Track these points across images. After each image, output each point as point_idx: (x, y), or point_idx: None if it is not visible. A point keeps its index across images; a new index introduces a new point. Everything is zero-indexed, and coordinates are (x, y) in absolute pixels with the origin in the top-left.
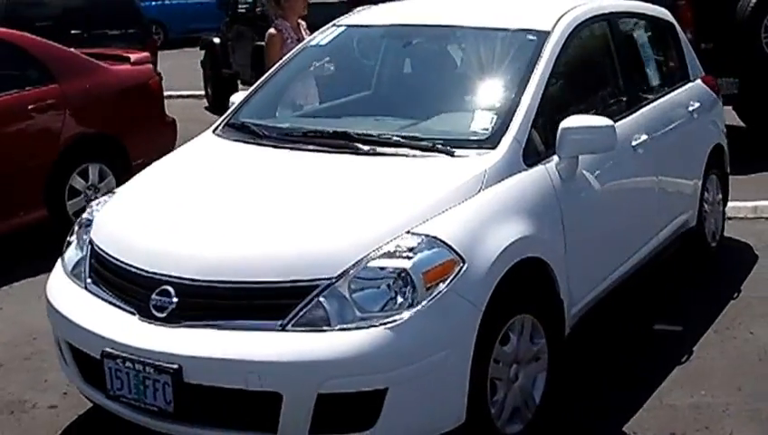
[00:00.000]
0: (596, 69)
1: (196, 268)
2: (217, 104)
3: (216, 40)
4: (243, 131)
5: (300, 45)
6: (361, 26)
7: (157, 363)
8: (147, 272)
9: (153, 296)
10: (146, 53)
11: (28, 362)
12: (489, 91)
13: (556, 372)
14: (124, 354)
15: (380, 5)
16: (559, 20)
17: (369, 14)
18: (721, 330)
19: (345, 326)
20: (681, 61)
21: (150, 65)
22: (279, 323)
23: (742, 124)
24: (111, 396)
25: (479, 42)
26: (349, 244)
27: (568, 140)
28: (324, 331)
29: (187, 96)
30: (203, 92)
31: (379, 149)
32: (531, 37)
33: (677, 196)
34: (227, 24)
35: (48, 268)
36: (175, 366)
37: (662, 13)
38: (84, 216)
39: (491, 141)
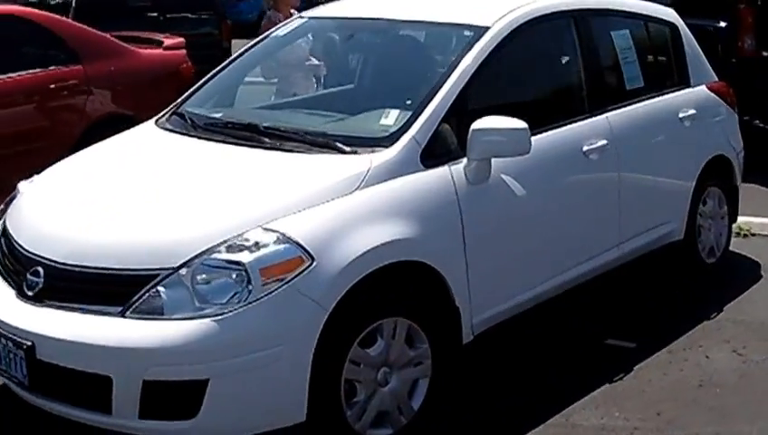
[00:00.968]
0: (547, 69)
1: (65, 252)
2: None
3: None
4: (178, 120)
5: (263, 35)
6: (319, 18)
7: (16, 339)
8: (27, 252)
9: (27, 275)
10: (180, 39)
11: None
12: (409, 88)
13: (448, 380)
14: (1, 329)
15: None
16: (504, 16)
17: (334, 6)
18: (676, 351)
19: (179, 316)
20: (680, 65)
21: (183, 51)
22: (120, 309)
23: None
24: None
25: (420, 36)
26: (194, 235)
27: (478, 141)
28: (157, 319)
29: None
30: None
31: (281, 144)
32: (467, 33)
33: (653, 206)
34: None
35: None
36: (29, 343)
37: (662, 13)
38: (11, 195)
39: (389, 140)
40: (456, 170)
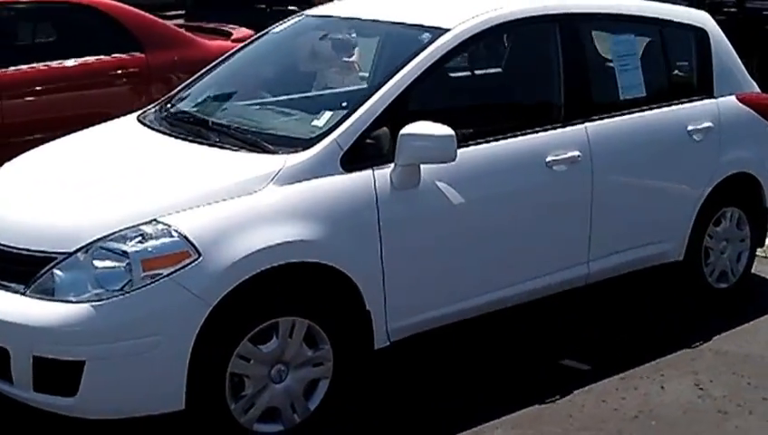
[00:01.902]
0: (513, 75)
1: None
2: None
3: None
4: (154, 113)
5: (263, 31)
6: (313, 16)
7: None
8: None
9: None
10: (249, 31)
11: None
12: (352, 89)
13: (362, 383)
14: None
15: None
16: (469, 19)
17: (334, 5)
18: (632, 378)
19: (69, 299)
20: (703, 73)
21: None
22: (23, 287)
23: None
24: None
25: (386, 37)
26: (94, 222)
27: (406, 146)
28: (50, 300)
29: None
30: None
31: (220, 141)
32: (425, 35)
33: (640, 223)
34: None
35: None
36: None
37: (687, 17)
38: None
39: (312, 142)
40: (381, 175)
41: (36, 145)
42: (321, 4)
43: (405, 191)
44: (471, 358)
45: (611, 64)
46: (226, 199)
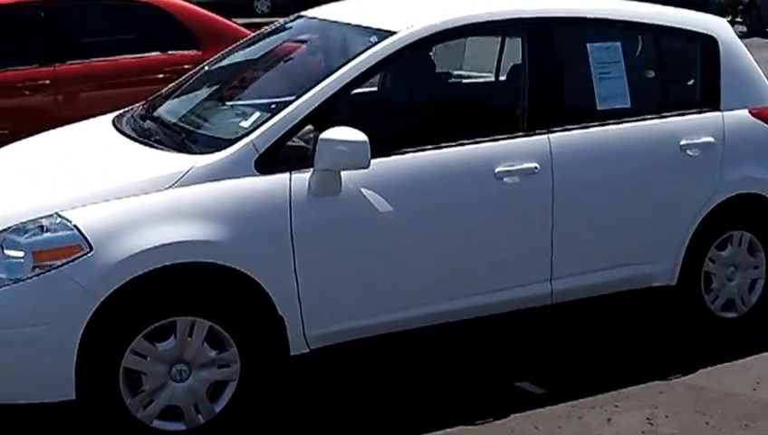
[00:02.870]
0: (463, 81)
1: None
2: None
3: None
4: (132, 111)
5: (258, 32)
6: (303, 17)
7: None
8: None
9: None
10: None
11: None
12: (283, 91)
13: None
14: None
15: None
16: (420, 22)
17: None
18: (581, 407)
19: None
20: (708, 84)
21: None
22: None
23: None
24: None
25: (341, 38)
26: (6, 212)
27: (324, 151)
28: None
29: None
30: None
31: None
32: (373, 38)
33: (618, 242)
34: None
35: None
36: None
37: (694, 24)
38: None
39: (230, 143)
40: (298, 179)
41: None
42: None
43: (323, 198)
44: (427, 367)
45: (589, 73)
46: (131, 196)
